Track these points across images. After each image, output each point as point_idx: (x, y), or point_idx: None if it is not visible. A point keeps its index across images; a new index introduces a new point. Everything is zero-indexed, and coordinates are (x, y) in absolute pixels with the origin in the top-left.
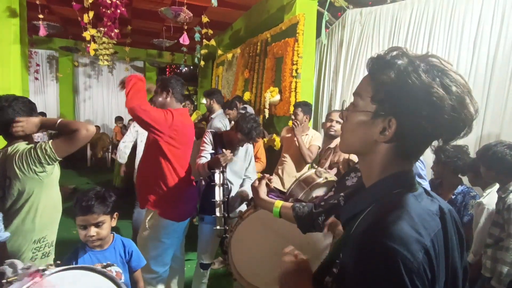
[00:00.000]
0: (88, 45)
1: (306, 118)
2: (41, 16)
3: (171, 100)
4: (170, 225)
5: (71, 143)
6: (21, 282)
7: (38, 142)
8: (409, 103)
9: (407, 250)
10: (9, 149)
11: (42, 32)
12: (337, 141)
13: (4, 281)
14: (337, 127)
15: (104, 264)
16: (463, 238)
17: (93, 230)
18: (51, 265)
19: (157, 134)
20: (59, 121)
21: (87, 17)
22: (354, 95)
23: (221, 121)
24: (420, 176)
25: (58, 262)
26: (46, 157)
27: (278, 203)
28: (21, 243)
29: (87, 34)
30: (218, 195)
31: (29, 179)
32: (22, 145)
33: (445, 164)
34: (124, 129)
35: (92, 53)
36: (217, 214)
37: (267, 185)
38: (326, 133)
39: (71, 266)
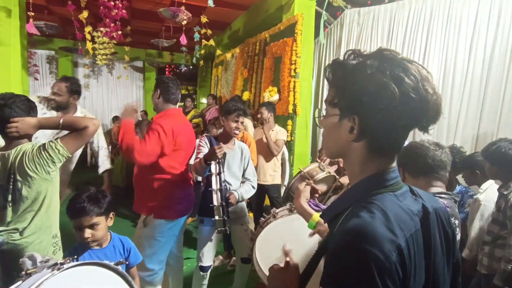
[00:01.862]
0: (81, 47)
1: (271, 115)
2: (32, 13)
3: (161, 101)
4: (165, 224)
5: (82, 139)
6: (40, 274)
7: (43, 142)
8: (365, 99)
9: (380, 251)
10: (13, 151)
11: (33, 30)
12: None
13: (24, 272)
14: None
15: (116, 261)
16: (449, 236)
17: (87, 232)
18: (67, 259)
19: (164, 153)
20: (61, 120)
21: (83, 17)
22: (325, 102)
23: None
24: None
25: (76, 257)
26: (60, 156)
27: (316, 216)
28: (43, 241)
29: (87, 33)
30: (215, 183)
31: (42, 179)
32: (26, 146)
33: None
34: None
35: (87, 53)
36: (215, 203)
37: (310, 192)
38: None
39: (86, 261)
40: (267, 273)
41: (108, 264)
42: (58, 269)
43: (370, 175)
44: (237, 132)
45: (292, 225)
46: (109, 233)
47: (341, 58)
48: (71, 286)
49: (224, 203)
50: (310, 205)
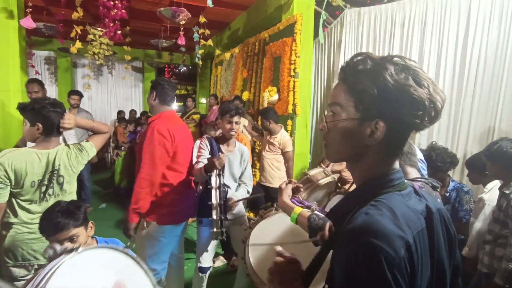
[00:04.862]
0: (72, 45)
1: (269, 122)
2: (29, 10)
3: (156, 103)
4: (168, 227)
5: (104, 140)
6: (60, 258)
7: (76, 143)
8: (392, 104)
9: (390, 246)
10: (53, 151)
11: (30, 24)
12: None
13: (46, 261)
14: None
15: (124, 245)
16: (452, 236)
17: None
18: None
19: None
20: (94, 124)
21: (75, 16)
22: (332, 105)
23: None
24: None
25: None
26: (93, 153)
27: (297, 209)
28: None
29: (74, 32)
30: (215, 198)
31: (76, 174)
32: (63, 147)
33: (435, 166)
34: (126, 129)
35: (74, 50)
36: (214, 217)
37: (292, 189)
38: None
39: (98, 245)
40: (261, 277)
41: (117, 247)
42: (74, 253)
43: (377, 175)
44: (232, 133)
45: (280, 223)
46: (94, 239)
47: (354, 61)
48: (87, 267)
49: (222, 218)
50: (294, 202)
